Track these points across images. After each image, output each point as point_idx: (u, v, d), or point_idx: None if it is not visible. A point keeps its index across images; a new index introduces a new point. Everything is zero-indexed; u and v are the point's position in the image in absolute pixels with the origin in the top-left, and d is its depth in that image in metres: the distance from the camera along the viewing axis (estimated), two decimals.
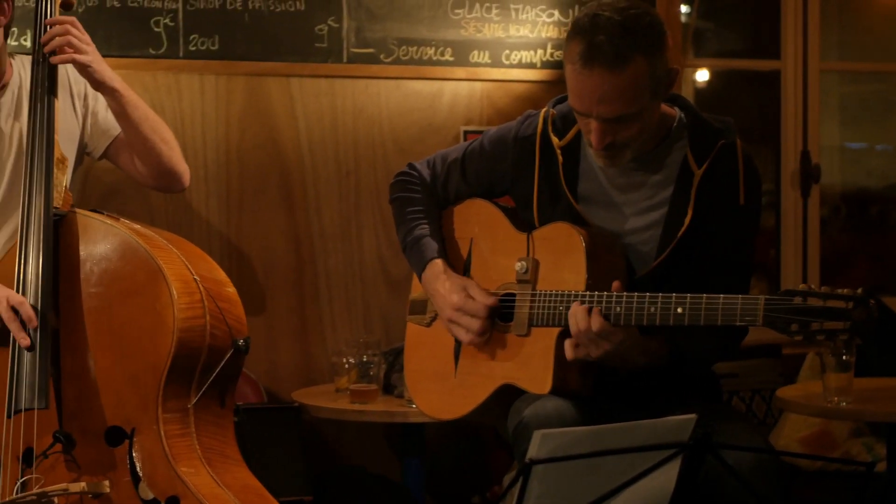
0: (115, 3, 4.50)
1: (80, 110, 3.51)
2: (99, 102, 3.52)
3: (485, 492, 4.88)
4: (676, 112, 3.12)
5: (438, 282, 3.23)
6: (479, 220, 3.31)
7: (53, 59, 3.25)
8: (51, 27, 3.26)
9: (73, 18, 3.28)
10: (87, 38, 3.28)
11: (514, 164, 3.23)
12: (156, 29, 4.56)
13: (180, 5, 4.58)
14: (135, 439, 3.02)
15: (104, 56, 4.35)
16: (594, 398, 3.02)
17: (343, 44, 4.77)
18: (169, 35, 4.57)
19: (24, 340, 3.03)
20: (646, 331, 2.96)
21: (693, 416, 2.39)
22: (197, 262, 3.15)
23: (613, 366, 3.00)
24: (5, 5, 3.42)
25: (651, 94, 2.94)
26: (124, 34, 4.52)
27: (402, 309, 4.73)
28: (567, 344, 2.94)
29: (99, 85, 3.31)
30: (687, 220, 3.02)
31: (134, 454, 3.02)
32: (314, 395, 4.54)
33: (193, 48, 4.60)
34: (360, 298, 4.86)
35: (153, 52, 4.56)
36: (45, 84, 3.23)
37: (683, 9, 5.61)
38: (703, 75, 6.19)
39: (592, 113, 2.92)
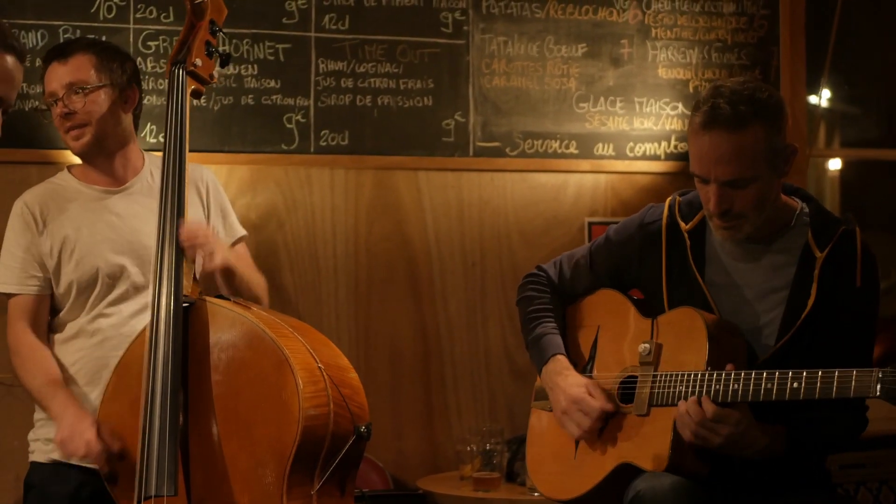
0: (250, 101, 4.68)
1: (204, 201, 3.64)
2: (220, 206, 3.65)
3: None
4: (798, 204, 3.18)
5: (560, 376, 3.28)
6: (606, 309, 3.38)
7: (188, 252, 3.29)
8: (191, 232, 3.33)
9: (206, 226, 3.44)
10: (209, 232, 3.36)
11: (639, 250, 3.30)
12: (288, 125, 4.72)
13: (312, 102, 4.73)
14: None
15: (237, 152, 4.59)
16: (709, 480, 3.03)
17: (469, 138, 4.88)
18: (301, 131, 4.73)
19: (104, 468, 3.17)
20: (763, 419, 2.97)
21: None
22: (321, 348, 3.19)
23: (734, 452, 2.99)
24: (129, 92, 3.59)
25: (768, 163, 3.01)
26: (258, 130, 4.68)
27: (526, 398, 4.76)
28: (683, 426, 2.96)
29: (217, 270, 3.34)
30: (810, 303, 3.05)
31: None
32: (438, 482, 4.59)
33: (324, 143, 4.75)
34: (485, 387, 4.92)
35: (285, 148, 4.72)
36: (175, 177, 3.32)
37: (814, 99, 5.61)
38: (835, 164, 6.17)
39: (710, 175, 3.00)
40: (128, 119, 3.61)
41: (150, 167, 3.66)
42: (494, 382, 4.92)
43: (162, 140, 4.49)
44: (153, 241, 3.50)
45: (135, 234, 3.55)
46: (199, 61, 3.39)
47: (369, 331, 4.82)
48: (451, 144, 4.86)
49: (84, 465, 3.46)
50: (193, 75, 3.40)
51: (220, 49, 3.47)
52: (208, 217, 3.65)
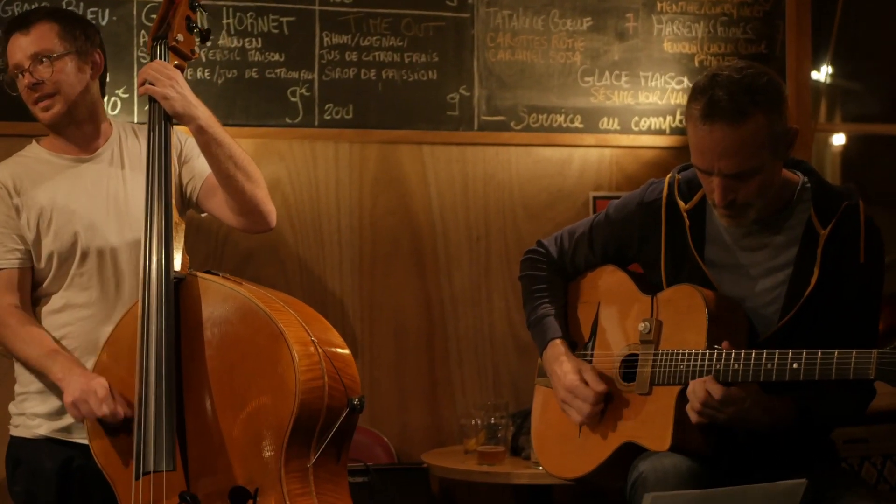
0: (254, 74, 4.66)
1: (175, 161, 3.58)
2: (194, 148, 3.58)
3: None
4: (800, 177, 3.15)
5: (557, 363, 3.30)
6: (606, 286, 3.38)
7: (140, 91, 3.35)
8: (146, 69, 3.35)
9: (161, 61, 3.37)
10: (170, 72, 3.34)
11: (640, 229, 3.29)
12: (292, 99, 4.70)
13: (316, 76, 4.72)
14: (259, 499, 3.05)
15: (242, 125, 4.58)
16: (712, 458, 3.03)
17: (474, 112, 4.86)
18: (305, 104, 4.71)
19: (118, 417, 3.17)
20: (771, 391, 2.97)
21: (803, 480, 2.40)
22: (312, 323, 3.19)
23: (738, 427, 3.00)
24: (97, 57, 3.56)
25: (770, 151, 2.98)
26: (262, 104, 4.67)
27: (530, 372, 4.77)
28: (689, 409, 2.97)
29: (179, 117, 3.35)
30: (813, 280, 3.04)
31: None
32: (443, 455, 4.60)
33: (328, 117, 4.73)
34: (489, 361, 4.91)
35: (290, 122, 4.70)
36: (161, 149, 3.31)
37: (819, 74, 5.60)
38: (839, 139, 6.15)
39: (714, 169, 2.97)
40: (95, 86, 3.58)
41: (120, 134, 3.63)
42: (498, 357, 4.92)
43: None
44: (130, 207, 3.49)
45: (110, 201, 3.52)
46: (180, 37, 3.38)
47: (374, 305, 4.81)
48: (455, 118, 4.85)
49: (72, 440, 3.45)
50: (175, 51, 3.39)
51: (201, 25, 3.45)
52: (180, 167, 3.61)
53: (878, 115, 6.24)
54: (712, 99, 2.93)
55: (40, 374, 3.44)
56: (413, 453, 4.74)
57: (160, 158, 3.29)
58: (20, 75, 3.48)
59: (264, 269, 4.67)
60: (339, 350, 3.20)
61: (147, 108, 3.35)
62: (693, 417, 2.97)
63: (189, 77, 4.50)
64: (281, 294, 3.27)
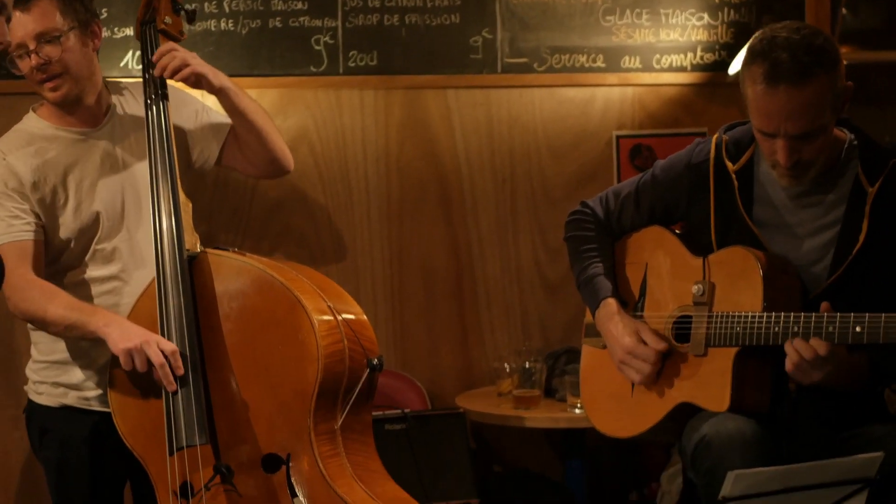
0: (278, 23, 4.64)
1: (193, 121, 3.64)
2: (206, 113, 3.67)
3: (642, 489, 4.96)
4: (846, 135, 3.18)
5: (612, 323, 3.33)
6: (654, 246, 3.41)
7: (176, 77, 3.37)
8: (160, 58, 3.39)
9: (173, 44, 3.41)
10: (188, 52, 3.42)
11: (688, 190, 3.31)
12: (316, 47, 4.68)
13: (339, 23, 4.70)
14: (291, 464, 3.11)
15: (267, 76, 4.59)
16: (770, 415, 3.09)
17: (497, 54, 4.85)
18: (329, 52, 4.69)
19: (171, 386, 3.12)
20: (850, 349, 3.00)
21: (880, 454, 2.46)
22: (326, 287, 3.26)
23: (824, 385, 3.03)
24: (96, 27, 3.49)
25: (832, 109, 3.01)
26: (286, 53, 4.65)
27: (559, 312, 4.85)
28: (793, 366, 2.98)
29: (214, 90, 3.45)
30: (861, 237, 3.08)
31: (293, 478, 3.11)
32: (477, 398, 4.66)
33: (353, 64, 4.72)
34: (517, 303, 4.95)
35: (314, 70, 4.69)
36: (161, 129, 3.33)
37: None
38: None
39: (780, 131, 3.00)
40: (96, 58, 3.51)
41: (120, 100, 3.59)
42: (527, 298, 4.95)
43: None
44: (139, 177, 3.48)
45: (123, 173, 3.50)
46: (168, 19, 3.41)
47: (402, 250, 4.84)
48: (479, 62, 4.83)
49: (95, 408, 3.46)
50: (165, 33, 3.41)
51: (186, 6, 3.48)
52: (201, 134, 3.67)
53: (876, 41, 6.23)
54: (776, 61, 2.96)
55: (70, 340, 3.43)
56: (445, 396, 4.80)
57: (160, 138, 3.32)
58: (26, 55, 3.38)
59: (293, 218, 4.70)
60: (354, 313, 3.26)
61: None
62: (799, 376, 2.99)
63: (213, 28, 4.54)
64: (291, 263, 3.35)
